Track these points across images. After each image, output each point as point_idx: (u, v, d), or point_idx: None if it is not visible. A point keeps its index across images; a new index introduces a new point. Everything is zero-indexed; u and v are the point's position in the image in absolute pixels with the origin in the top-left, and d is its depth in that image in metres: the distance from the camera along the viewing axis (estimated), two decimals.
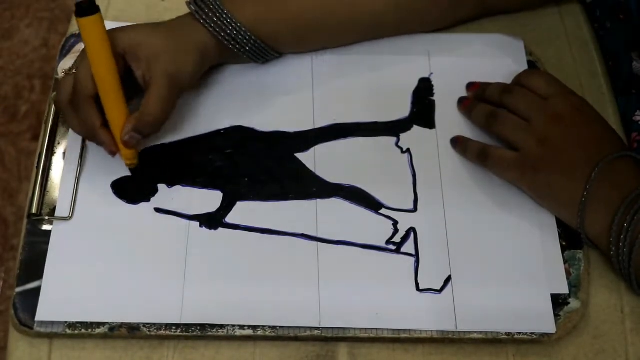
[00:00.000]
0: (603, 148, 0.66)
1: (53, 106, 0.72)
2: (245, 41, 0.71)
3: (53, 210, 0.68)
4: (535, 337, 0.65)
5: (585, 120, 0.68)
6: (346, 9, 0.74)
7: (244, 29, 0.70)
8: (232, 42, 0.71)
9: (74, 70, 0.66)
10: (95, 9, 0.63)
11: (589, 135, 0.68)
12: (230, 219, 0.69)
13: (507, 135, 0.70)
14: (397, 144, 0.73)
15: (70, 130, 0.71)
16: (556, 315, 0.66)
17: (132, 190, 0.69)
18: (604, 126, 0.69)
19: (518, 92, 0.71)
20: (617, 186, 0.65)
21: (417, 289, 0.67)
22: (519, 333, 0.65)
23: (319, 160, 0.72)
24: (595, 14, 0.81)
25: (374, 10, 0.75)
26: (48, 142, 0.71)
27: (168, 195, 0.70)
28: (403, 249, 0.69)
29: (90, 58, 0.64)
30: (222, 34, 0.70)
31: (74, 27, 0.79)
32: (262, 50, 0.73)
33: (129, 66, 0.67)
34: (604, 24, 0.80)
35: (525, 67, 0.78)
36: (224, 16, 0.69)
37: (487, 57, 0.79)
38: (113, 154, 0.67)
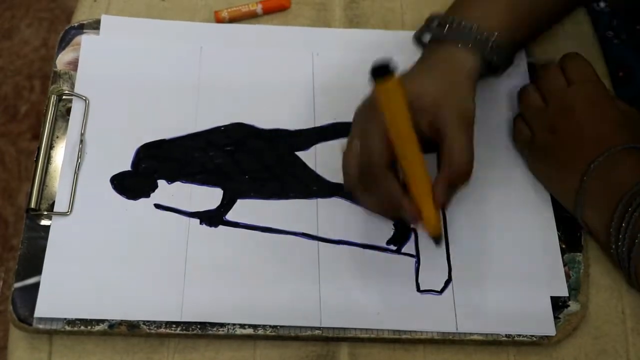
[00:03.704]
0: (609, 143, 0.66)
1: (52, 100, 0.72)
2: (502, 53, 0.69)
3: (52, 205, 0.68)
4: (535, 339, 0.65)
5: (597, 113, 0.68)
6: None
7: (502, 41, 0.68)
8: (495, 58, 0.68)
9: (354, 143, 0.63)
10: (393, 69, 0.57)
11: (598, 129, 0.67)
12: (230, 216, 0.69)
13: (525, 116, 0.71)
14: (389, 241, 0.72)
15: (70, 124, 0.71)
16: (556, 318, 0.66)
17: (132, 185, 0.69)
18: (616, 120, 0.68)
19: (550, 71, 0.71)
20: (617, 181, 0.65)
21: (418, 289, 0.67)
22: (519, 335, 0.65)
23: (320, 159, 0.72)
24: (611, 23, 0.82)
25: None
26: (47, 137, 0.71)
27: (168, 191, 0.69)
28: (404, 250, 0.68)
29: (391, 123, 0.60)
30: (487, 53, 0.68)
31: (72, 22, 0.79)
32: (510, 59, 0.72)
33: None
34: (620, 34, 0.80)
35: (525, 68, 0.78)
36: (483, 35, 0.67)
37: None
38: (416, 223, 0.63)
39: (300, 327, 0.64)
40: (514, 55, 0.73)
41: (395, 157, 0.62)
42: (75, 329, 0.63)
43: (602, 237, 0.66)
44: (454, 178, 0.63)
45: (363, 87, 0.75)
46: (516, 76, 0.77)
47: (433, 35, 0.70)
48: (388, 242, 0.69)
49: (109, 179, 0.69)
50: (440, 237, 0.65)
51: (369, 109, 0.64)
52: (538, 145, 0.70)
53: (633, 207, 0.63)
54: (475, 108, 0.66)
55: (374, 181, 0.63)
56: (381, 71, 0.57)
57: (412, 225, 0.64)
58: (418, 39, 0.71)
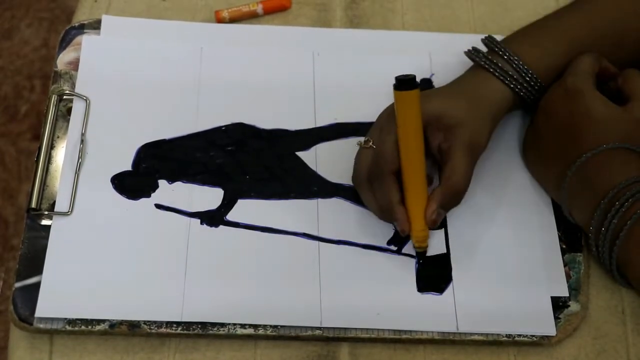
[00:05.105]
0: (586, 143, 0.65)
1: (53, 100, 0.72)
2: (538, 93, 0.69)
3: (53, 204, 0.68)
4: (535, 339, 0.65)
5: (570, 113, 0.67)
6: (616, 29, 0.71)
7: (539, 81, 0.69)
8: (528, 93, 0.69)
9: (371, 144, 0.66)
10: (415, 84, 0.62)
11: (573, 130, 0.67)
12: (231, 216, 0.69)
13: None
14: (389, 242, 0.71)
15: (71, 123, 0.71)
16: (556, 318, 0.66)
17: (133, 185, 0.69)
18: (592, 118, 0.66)
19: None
20: (598, 183, 0.64)
21: (418, 289, 0.67)
22: (520, 335, 0.65)
23: (320, 159, 0.72)
24: None
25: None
26: (48, 137, 0.71)
27: (169, 191, 0.69)
28: (404, 250, 0.68)
29: (401, 133, 0.63)
30: (523, 90, 0.68)
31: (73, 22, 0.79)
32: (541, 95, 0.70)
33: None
34: None
35: None
36: (522, 69, 0.68)
37: None
38: (404, 233, 0.65)
39: (301, 327, 0.64)
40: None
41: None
42: (76, 328, 0.63)
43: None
44: (448, 198, 0.65)
45: (364, 87, 0.76)
46: None
47: (477, 62, 0.70)
48: (388, 243, 0.69)
49: (110, 178, 0.69)
50: (424, 251, 0.68)
51: (391, 114, 0.65)
52: (526, 140, 0.72)
53: (612, 214, 0.63)
54: (486, 144, 0.68)
55: (377, 182, 0.65)
56: (405, 83, 0.62)
57: (401, 233, 0.66)
58: (469, 55, 0.71)
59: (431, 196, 0.65)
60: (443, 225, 0.69)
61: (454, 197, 0.66)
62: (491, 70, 0.68)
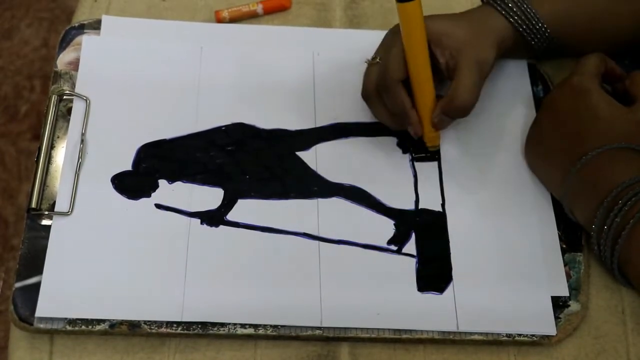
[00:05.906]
0: (590, 142, 0.65)
1: (53, 100, 0.72)
2: (540, 36, 0.72)
3: (53, 205, 0.68)
4: (535, 339, 0.65)
5: (575, 112, 0.67)
6: None
7: (541, 22, 0.71)
8: (531, 35, 0.72)
9: (377, 60, 0.69)
10: None
11: (578, 128, 0.67)
12: (231, 216, 0.69)
13: None
14: (398, 144, 0.73)
15: (71, 124, 0.72)
16: (556, 318, 0.66)
17: (133, 185, 0.69)
18: (597, 118, 0.66)
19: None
20: (601, 182, 0.64)
21: (418, 289, 0.67)
22: (520, 335, 0.65)
23: (320, 159, 0.72)
24: None
25: None
26: (48, 137, 0.71)
27: (169, 191, 0.69)
28: (404, 250, 0.69)
29: (406, 42, 0.67)
30: (523, 27, 0.71)
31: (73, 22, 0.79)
32: (552, 47, 0.74)
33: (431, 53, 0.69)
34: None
35: (525, 68, 0.78)
36: (525, 8, 0.71)
37: None
38: (417, 135, 0.70)
39: (301, 327, 0.64)
40: (558, 46, 0.74)
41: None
42: (76, 328, 0.63)
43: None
44: (452, 109, 0.68)
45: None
46: (516, 76, 0.77)
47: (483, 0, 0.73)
48: (389, 242, 0.69)
49: (110, 178, 0.69)
50: (437, 148, 0.72)
51: (395, 33, 0.69)
52: (529, 136, 0.72)
53: (614, 212, 0.63)
54: (492, 64, 0.70)
55: (386, 92, 0.68)
56: None
57: (414, 135, 0.70)
58: None
59: (438, 103, 0.68)
60: (443, 225, 0.69)
61: (458, 109, 0.68)
62: (495, 5, 0.71)
